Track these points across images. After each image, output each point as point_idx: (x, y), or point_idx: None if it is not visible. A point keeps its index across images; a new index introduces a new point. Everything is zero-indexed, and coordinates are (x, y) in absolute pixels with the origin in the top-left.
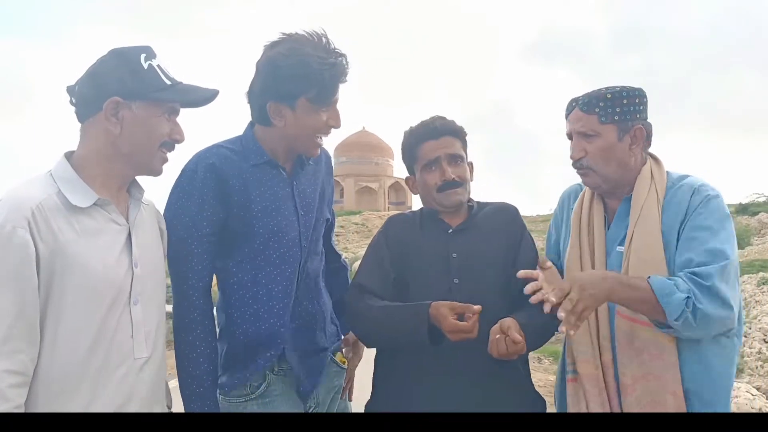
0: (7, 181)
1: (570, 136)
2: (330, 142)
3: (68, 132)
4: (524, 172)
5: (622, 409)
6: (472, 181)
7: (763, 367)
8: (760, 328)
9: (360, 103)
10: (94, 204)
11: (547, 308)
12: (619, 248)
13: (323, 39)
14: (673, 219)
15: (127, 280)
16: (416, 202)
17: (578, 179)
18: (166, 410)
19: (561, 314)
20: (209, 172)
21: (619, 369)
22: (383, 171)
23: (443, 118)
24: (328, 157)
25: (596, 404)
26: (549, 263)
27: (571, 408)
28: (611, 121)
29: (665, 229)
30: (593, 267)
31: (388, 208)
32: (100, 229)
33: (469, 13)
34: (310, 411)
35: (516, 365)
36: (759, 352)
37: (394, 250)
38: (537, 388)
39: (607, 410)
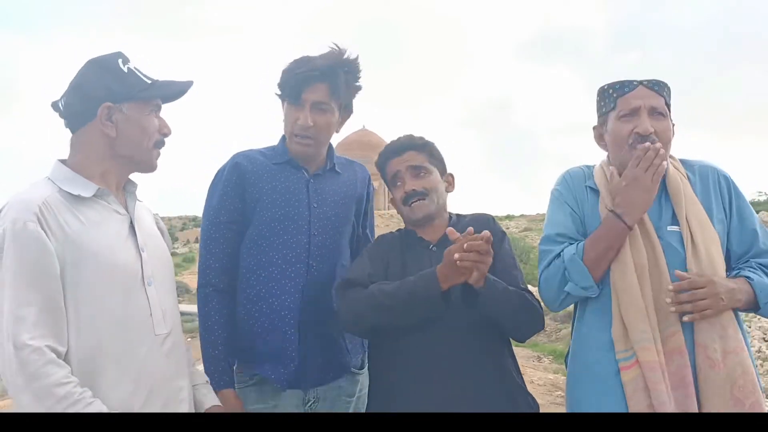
0: None
1: (630, 113)
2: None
3: (59, 131)
4: (524, 171)
5: (705, 387)
6: (450, 191)
7: (763, 366)
8: (759, 327)
9: (360, 102)
10: (94, 195)
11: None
12: (671, 228)
13: (328, 49)
14: (711, 200)
15: (137, 263)
16: None
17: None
18: (190, 385)
19: (672, 306)
20: (232, 168)
21: (706, 345)
22: None
23: (409, 136)
24: (365, 178)
25: (660, 392)
26: None
27: (630, 397)
28: (668, 107)
29: (705, 208)
30: (651, 244)
31: (389, 207)
32: (104, 219)
33: (467, 11)
34: (309, 404)
35: (505, 361)
36: (759, 351)
37: (383, 262)
38: (536, 387)
39: (669, 397)
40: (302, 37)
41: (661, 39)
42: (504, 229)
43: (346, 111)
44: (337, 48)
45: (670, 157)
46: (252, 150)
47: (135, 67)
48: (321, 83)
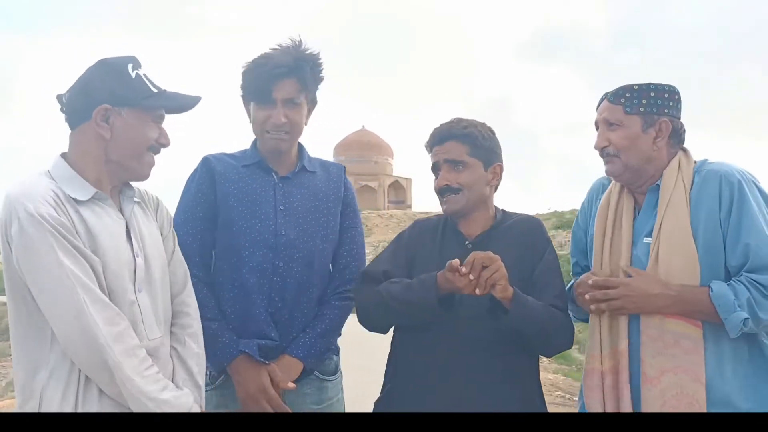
0: None
1: (597, 127)
2: (329, 141)
3: (59, 130)
4: (524, 171)
5: (641, 401)
6: (495, 184)
7: None
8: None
9: (359, 102)
10: (92, 198)
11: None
12: (646, 239)
13: (281, 46)
14: (703, 209)
15: (132, 268)
16: (416, 202)
17: (579, 177)
18: (174, 390)
19: (587, 297)
20: (203, 166)
21: (643, 360)
22: (383, 170)
23: (454, 121)
24: (339, 179)
25: (593, 398)
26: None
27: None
28: (636, 112)
29: (693, 218)
30: (619, 258)
31: (388, 207)
32: (103, 222)
33: (467, 11)
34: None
35: (524, 366)
36: None
37: (410, 252)
38: None
39: (604, 406)
40: (302, 38)
41: (661, 38)
42: None
43: (313, 103)
44: (294, 42)
45: (683, 151)
46: (221, 153)
47: (144, 74)
48: (289, 79)
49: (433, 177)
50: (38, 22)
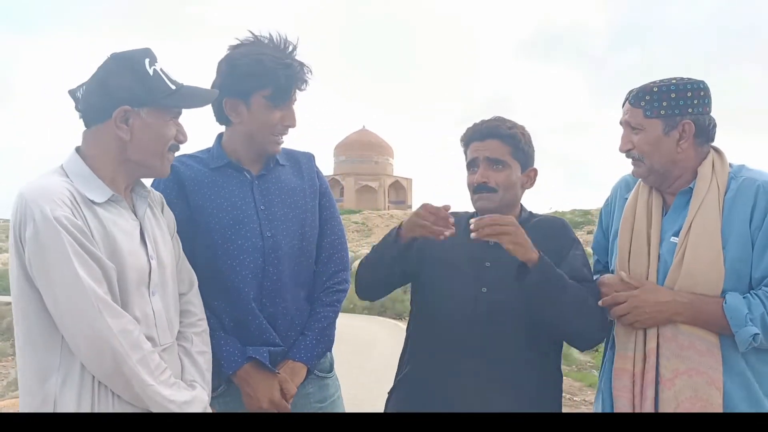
0: None
1: (623, 125)
2: (330, 141)
3: (58, 131)
4: None
5: (658, 402)
6: (528, 187)
7: None
8: None
9: (359, 101)
10: (108, 200)
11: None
12: (674, 239)
13: (287, 44)
14: (736, 217)
15: (146, 271)
16: (416, 203)
17: (579, 177)
18: (189, 389)
19: (612, 311)
20: (170, 175)
21: (660, 362)
22: (383, 170)
23: (498, 120)
24: (311, 168)
25: (620, 398)
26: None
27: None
28: (656, 115)
29: (725, 224)
30: (645, 255)
31: (389, 207)
32: (119, 223)
33: (467, 10)
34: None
35: (544, 356)
36: None
37: (427, 247)
38: None
39: (634, 406)
40: (302, 37)
41: (661, 38)
42: None
43: None
44: (261, 39)
45: (717, 153)
46: (183, 155)
47: (161, 69)
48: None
49: (434, 175)
50: (38, 21)
